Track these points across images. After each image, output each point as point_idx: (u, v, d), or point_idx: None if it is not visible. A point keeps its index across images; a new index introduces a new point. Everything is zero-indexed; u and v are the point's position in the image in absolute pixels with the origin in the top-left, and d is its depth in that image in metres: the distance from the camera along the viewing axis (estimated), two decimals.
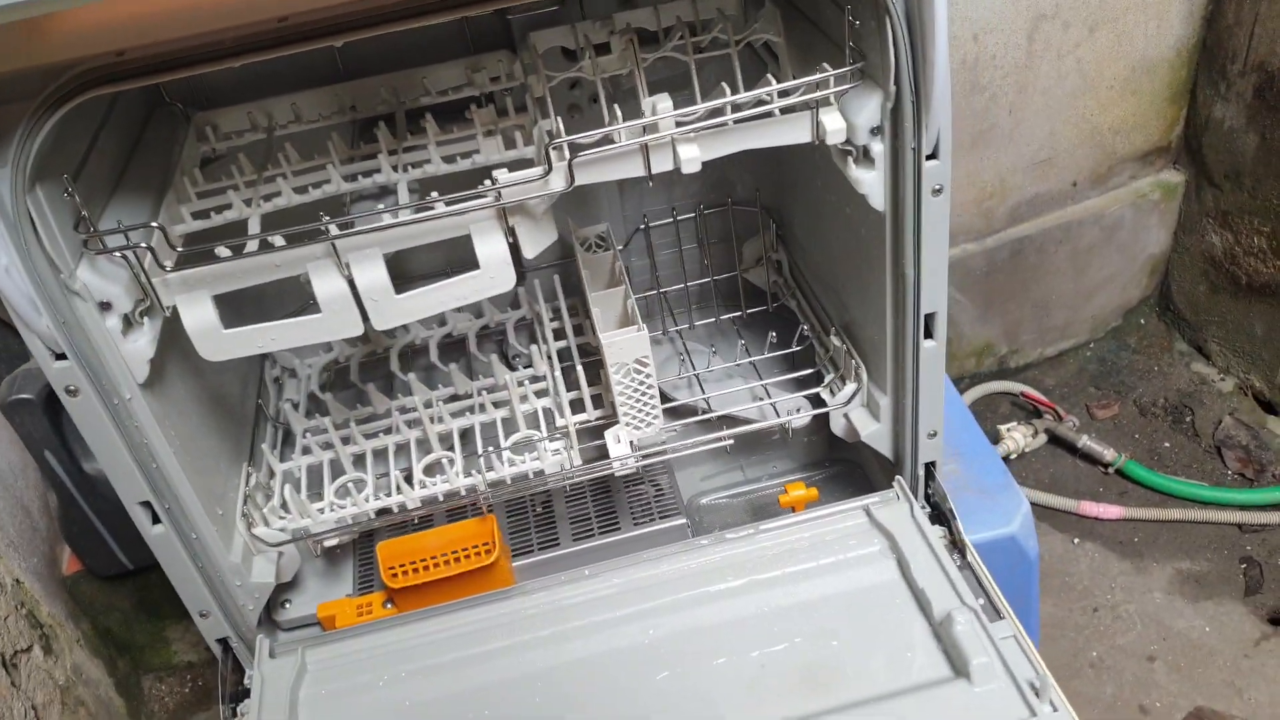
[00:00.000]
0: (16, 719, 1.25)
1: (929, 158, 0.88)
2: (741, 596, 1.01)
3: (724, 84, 0.90)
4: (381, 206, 0.97)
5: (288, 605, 1.16)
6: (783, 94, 0.90)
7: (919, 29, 0.81)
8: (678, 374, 1.29)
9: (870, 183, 0.93)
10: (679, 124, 0.89)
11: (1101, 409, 1.95)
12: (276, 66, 0.87)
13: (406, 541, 1.09)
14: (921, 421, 1.05)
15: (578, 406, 1.15)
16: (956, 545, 1.04)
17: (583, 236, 1.28)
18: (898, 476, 1.09)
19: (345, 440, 1.20)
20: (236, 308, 0.93)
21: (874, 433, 1.11)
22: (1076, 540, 1.74)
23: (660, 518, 1.18)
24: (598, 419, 1.14)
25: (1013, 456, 1.85)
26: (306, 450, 1.21)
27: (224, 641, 1.03)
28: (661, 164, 0.90)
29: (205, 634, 1.02)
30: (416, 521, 1.14)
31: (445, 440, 1.18)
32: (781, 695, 0.91)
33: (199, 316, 0.89)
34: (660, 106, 0.88)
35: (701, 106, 0.89)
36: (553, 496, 1.23)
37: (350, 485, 1.13)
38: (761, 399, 1.23)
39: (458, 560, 1.07)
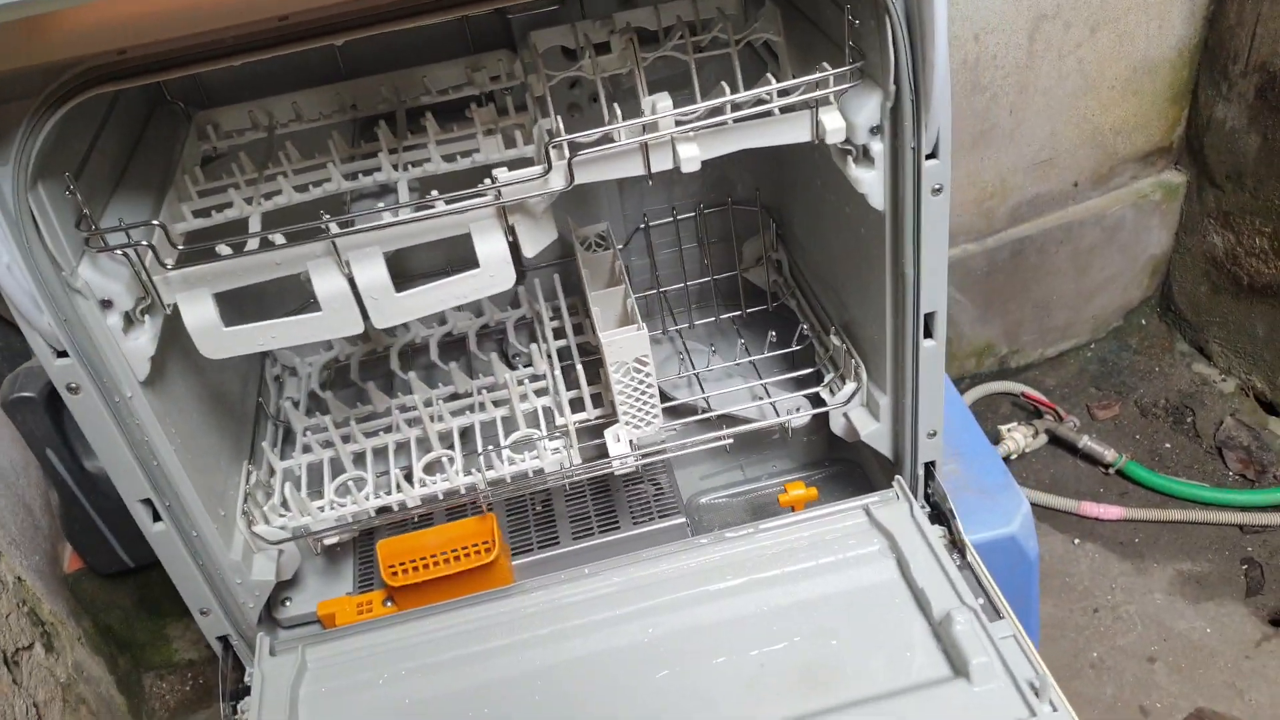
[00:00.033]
0: (18, 716, 1.25)
1: (929, 157, 0.88)
2: (741, 595, 1.01)
3: (724, 83, 0.90)
4: (382, 205, 0.97)
5: (288, 603, 1.16)
6: (782, 93, 0.90)
7: (918, 28, 0.81)
8: (677, 373, 1.29)
9: (870, 182, 0.93)
10: (679, 123, 0.89)
11: (1102, 409, 1.95)
12: (277, 65, 0.88)
13: (406, 540, 1.09)
14: (921, 421, 1.05)
15: (577, 405, 1.16)
16: (956, 545, 1.04)
17: (583, 236, 1.28)
18: (897, 476, 1.09)
19: (345, 438, 1.20)
20: (237, 306, 0.94)
21: (874, 432, 1.11)
22: (1077, 541, 1.74)
23: (660, 517, 1.18)
24: (597, 418, 1.14)
25: (1013, 457, 1.85)
26: (307, 448, 1.22)
27: (224, 639, 1.03)
28: (661, 163, 0.90)
29: (206, 631, 1.02)
30: (416, 520, 1.15)
31: (445, 439, 1.18)
32: (781, 694, 0.91)
33: (200, 314, 0.89)
34: (660, 105, 0.88)
35: (701, 106, 0.89)
36: (552, 495, 1.23)
37: (350, 483, 1.13)
38: (761, 398, 1.23)
39: (457, 559, 1.08)
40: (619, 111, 0.90)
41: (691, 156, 0.89)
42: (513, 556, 1.16)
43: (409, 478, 1.11)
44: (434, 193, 0.90)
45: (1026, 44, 1.67)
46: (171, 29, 0.74)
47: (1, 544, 1.39)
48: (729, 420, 1.20)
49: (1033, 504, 1.33)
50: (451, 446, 1.16)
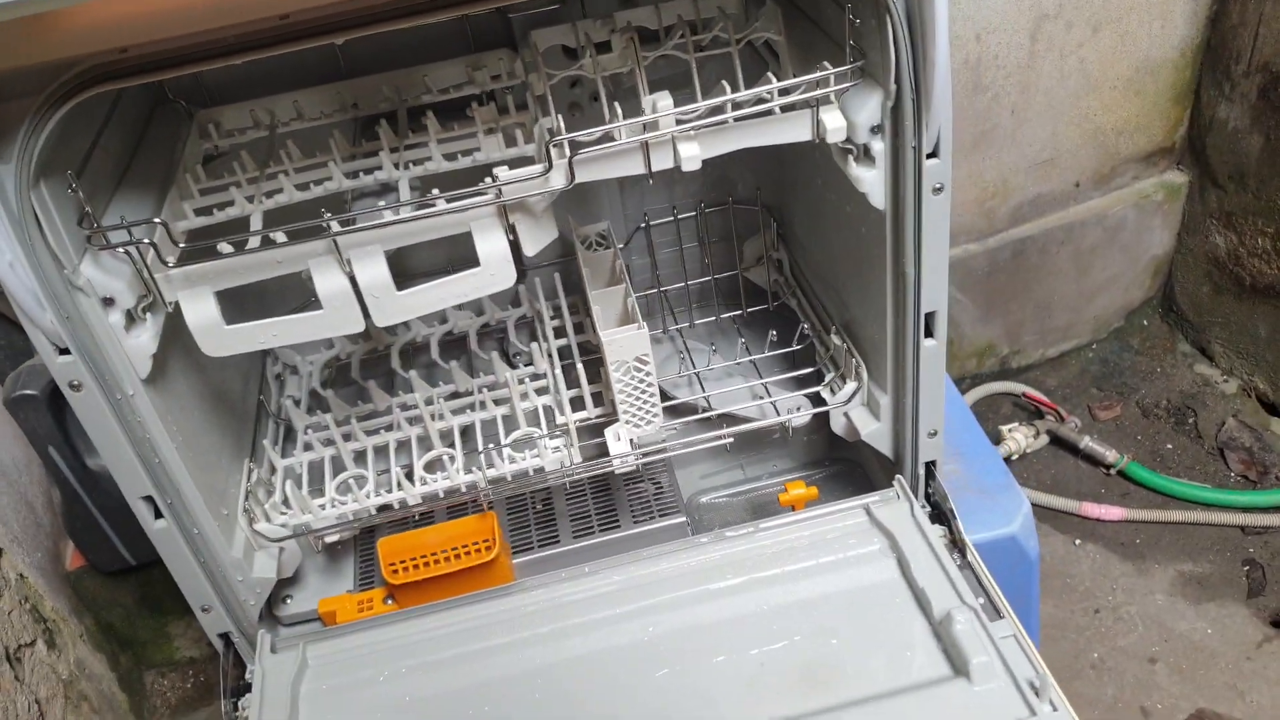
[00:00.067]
0: (20, 713, 1.26)
1: (929, 156, 0.88)
2: (741, 594, 1.01)
3: (724, 82, 0.90)
4: (383, 204, 0.98)
5: (289, 601, 1.16)
6: (783, 92, 0.90)
7: (919, 27, 0.81)
8: (678, 372, 1.29)
9: (871, 181, 0.93)
10: (679, 122, 0.89)
11: (1104, 410, 1.95)
12: (278, 64, 0.88)
13: (407, 538, 1.09)
14: (922, 420, 1.05)
15: (578, 404, 1.16)
16: (957, 545, 1.04)
17: (583, 235, 1.28)
18: (898, 476, 1.09)
19: (346, 437, 1.20)
20: (239, 304, 0.94)
21: (874, 432, 1.11)
22: (1078, 541, 1.74)
23: (660, 515, 1.18)
24: (598, 417, 1.14)
25: (1014, 457, 1.85)
26: (308, 446, 1.22)
27: (225, 636, 1.03)
28: (662, 162, 0.90)
29: (207, 629, 1.02)
30: (417, 518, 1.15)
31: (446, 437, 1.18)
32: (781, 693, 0.91)
33: (201, 312, 0.89)
34: (661, 104, 0.88)
35: (702, 104, 0.89)
36: (553, 494, 1.24)
37: (351, 481, 1.13)
38: (761, 398, 1.23)
39: (458, 557, 1.08)
40: (620, 110, 0.90)
41: (692, 155, 0.89)
42: (513, 555, 1.16)
43: (410, 476, 1.11)
44: (435, 191, 0.90)
45: (1028, 44, 1.67)
46: (173, 28, 0.74)
47: (4, 541, 1.40)
48: (729, 419, 1.20)
49: (1034, 504, 1.32)
50: (452, 445, 1.17)
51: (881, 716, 0.87)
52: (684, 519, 1.18)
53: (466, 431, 1.20)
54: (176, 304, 0.89)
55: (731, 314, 1.40)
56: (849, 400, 1.14)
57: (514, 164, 0.92)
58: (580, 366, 1.15)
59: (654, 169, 0.90)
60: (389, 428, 1.23)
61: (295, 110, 1.12)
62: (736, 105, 0.89)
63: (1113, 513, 1.74)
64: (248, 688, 1.00)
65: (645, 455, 1.11)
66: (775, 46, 1.05)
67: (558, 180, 0.89)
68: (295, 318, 0.92)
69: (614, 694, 0.94)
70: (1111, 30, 1.70)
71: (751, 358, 1.30)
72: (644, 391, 1.08)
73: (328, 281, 0.89)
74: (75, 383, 0.85)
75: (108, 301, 0.85)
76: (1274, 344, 1.83)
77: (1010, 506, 1.16)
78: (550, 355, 1.23)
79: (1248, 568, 1.66)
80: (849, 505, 1.07)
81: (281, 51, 0.78)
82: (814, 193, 1.20)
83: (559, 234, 0.96)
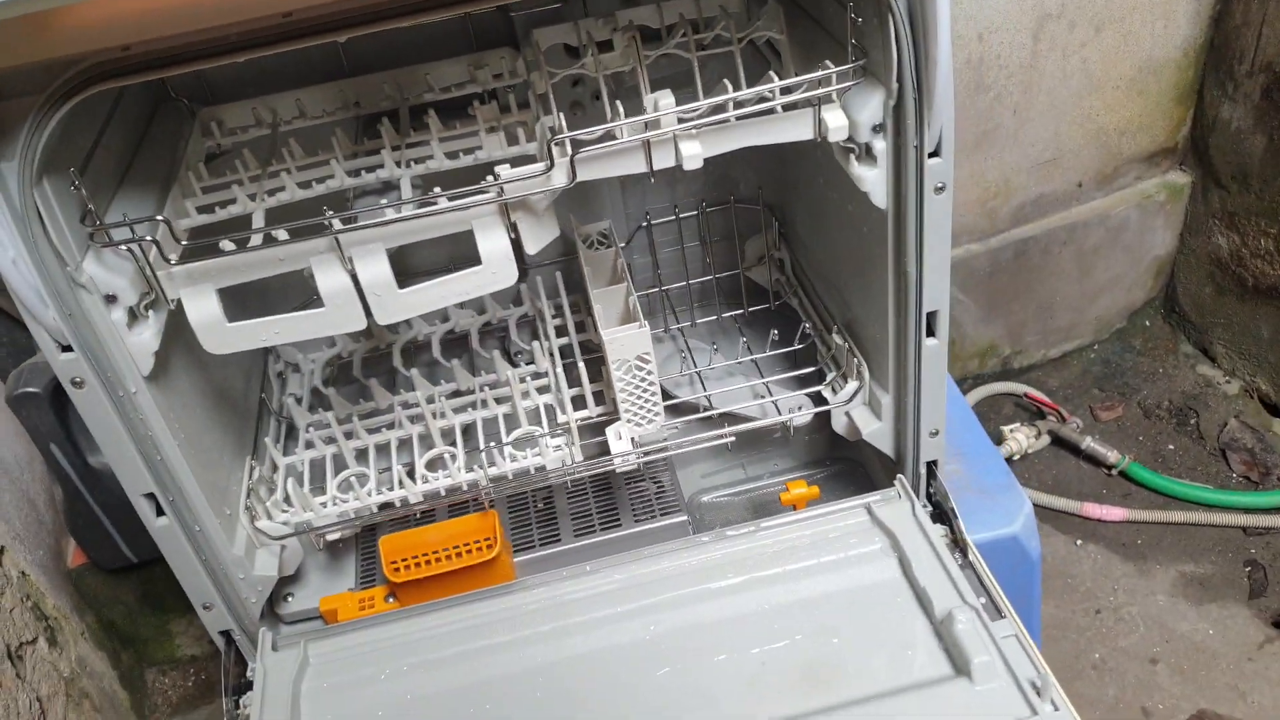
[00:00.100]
0: (22, 710, 1.26)
1: (931, 155, 0.88)
2: (742, 593, 1.01)
3: (726, 81, 0.90)
4: (385, 202, 0.98)
5: (290, 599, 1.16)
6: (785, 91, 0.90)
7: (921, 26, 0.81)
8: (679, 371, 1.29)
9: (872, 180, 0.93)
10: (681, 120, 0.89)
11: (1105, 411, 1.95)
12: (281, 62, 0.88)
13: (408, 536, 1.09)
14: (923, 420, 1.05)
15: (579, 403, 1.16)
16: (958, 544, 1.03)
17: (585, 233, 1.28)
18: (899, 475, 1.09)
19: (348, 435, 1.20)
20: (241, 302, 0.94)
21: (876, 431, 1.11)
22: (1079, 542, 1.74)
23: (661, 514, 1.18)
24: (599, 415, 1.14)
25: (1016, 457, 1.85)
26: (309, 444, 1.22)
27: (227, 634, 1.03)
28: (663, 160, 0.90)
29: (208, 626, 1.03)
30: (418, 516, 1.15)
31: (447, 435, 1.18)
32: (782, 692, 0.91)
33: (203, 310, 0.89)
34: (662, 103, 0.88)
35: (704, 103, 0.89)
36: (554, 492, 1.24)
37: (353, 479, 1.13)
38: (763, 397, 1.23)
39: (459, 555, 1.08)
40: (621, 109, 0.90)
41: (694, 154, 0.89)
42: (514, 553, 1.16)
43: (411, 474, 1.11)
44: (436, 189, 0.90)
45: (1031, 43, 1.67)
46: (175, 25, 0.75)
47: (6, 539, 1.40)
48: (731, 419, 1.20)
49: (1035, 505, 1.32)
50: (454, 443, 1.17)
51: (883, 716, 0.87)
52: (685, 518, 1.18)
53: (468, 430, 1.20)
54: (179, 301, 0.89)
55: (733, 313, 1.40)
56: (850, 400, 1.14)
57: (516, 162, 0.92)
58: (582, 365, 1.15)
59: (656, 168, 0.90)
60: (390, 426, 1.23)
61: (297, 108, 1.12)
62: (738, 104, 0.89)
63: (1114, 513, 1.74)
64: (249, 685, 1.00)
65: (646, 454, 1.11)
66: (777, 45, 1.05)
67: (559, 178, 0.89)
68: (297, 315, 0.92)
69: (615, 692, 0.94)
70: (1114, 30, 1.70)
71: (753, 357, 1.30)
72: (645, 390, 1.08)
73: (329, 279, 0.89)
74: (78, 380, 0.85)
75: (110, 299, 0.85)
76: (1276, 345, 1.83)
77: (1012, 506, 1.16)
78: (552, 354, 1.23)
79: (1249, 569, 1.66)
80: (850, 505, 1.07)
81: (284, 49, 0.78)
82: (816, 192, 1.20)
83: (560, 233, 0.96)
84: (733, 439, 1.14)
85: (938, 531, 1.03)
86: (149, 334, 0.88)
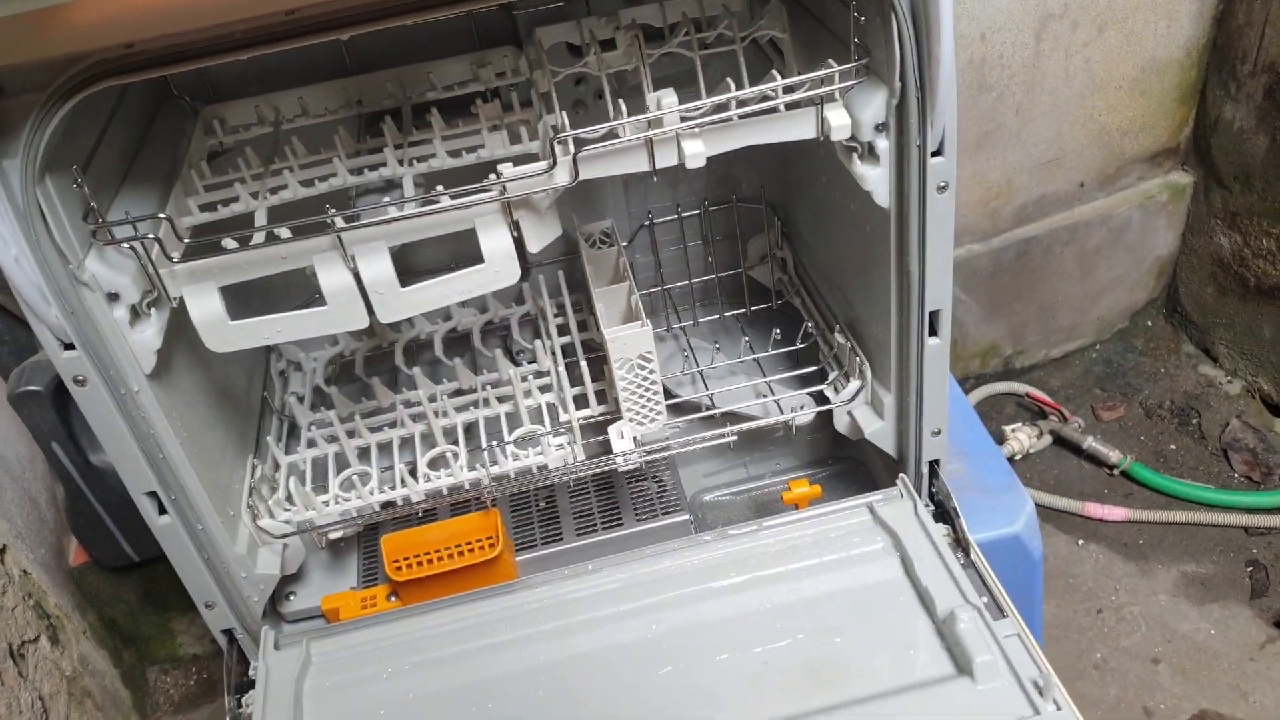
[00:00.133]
0: (24, 709, 1.26)
1: (934, 154, 0.88)
2: (744, 593, 1.01)
3: (729, 80, 0.90)
4: (387, 200, 0.98)
5: (292, 597, 1.16)
6: (788, 90, 0.90)
7: (924, 25, 0.81)
8: (681, 370, 1.29)
9: (875, 179, 0.93)
10: (684, 119, 0.89)
11: (1107, 410, 1.95)
12: (283, 60, 0.88)
13: (410, 535, 1.09)
14: (926, 419, 1.05)
15: (581, 402, 1.16)
16: (960, 544, 1.03)
17: (587, 232, 1.28)
18: (901, 474, 1.09)
19: (350, 433, 1.20)
20: (243, 300, 0.94)
21: (878, 430, 1.10)
22: (1081, 542, 1.74)
23: (663, 514, 1.18)
24: (601, 414, 1.14)
25: (1017, 457, 1.84)
26: (311, 443, 1.22)
27: (229, 633, 1.03)
28: (666, 159, 0.90)
29: (211, 625, 1.03)
30: (420, 515, 1.15)
31: (449, 434, 1.18)
32: (784, 692, 0.91)
33: (205, 308, 0.89)
34: (665, 102, 0.88)
35: (706, 102, 0.89)
36: (556, 491, 1.24)
37: (355, 478, 1.13)
38: (765, 396, 1.23)
39: (461, 554, 1.08)
40: (624, 107, 0.90)
41: (696, 153, 0.89)
42: (516, 552, 1.16)
43: (413, 473, 1.11)
44: (439, 188, 0.90)
45: (1033, 43, 1.67)
46: (178, 23, 0.75)
47: (8, 537, 1.40)
48: (733, 418, 1.20)
49: (1037, 505, 1.32)
50: (456, 442, 1.17)
51: (885, 715, 0.87)
52: (687, 517, 1.18)
53: (470, 429, 1.20)
54: (181, 299, 0.89)
55: (735, 312, 1.40)
56: (853, 399, 1.14)
57: (518, 161, 0.92)
58: (584, 364, 1.15)
59: (658, 166, 0.90)
60: (393, 424, 1.23)
61: (300, 106, 1.12)
62: (741, 103, 0.89)
63: (1116, 513, 1.74)
64: (251, 684, 1.00)
65: (648, 453, 1.11)
66: (780, 44, 1.05)
67: (562, 177, 0.89)
68: (299, 314, 0.92)
69: (617, 691, 0.94)
70: (1117, 30, 1.70)
71: (755, 356, 1.30)
72: (647, 389, 1.08)
73: (332, 277, 0.89)
74: (80, 378, 0.85)
75: (112, 297, 0.85)
76: (1278, 345, 1.83)
77: (1014, 506, 1.16)
78: (554, 353, 1.23)
79: (1251, 569, 1.65)
80: (852, 504, 1.07)
81: (287, 47, 0.78)
82: (818, 191, 1.20)
83: (563, 231, 0.96)
84: (735, 438, 1.14)
85: (940, 531, 1.03)
86: (151, 332, 0.88)
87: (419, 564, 1.08)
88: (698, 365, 1.29)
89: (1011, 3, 1.62)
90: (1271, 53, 1.65)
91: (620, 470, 1.17)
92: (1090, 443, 1.82)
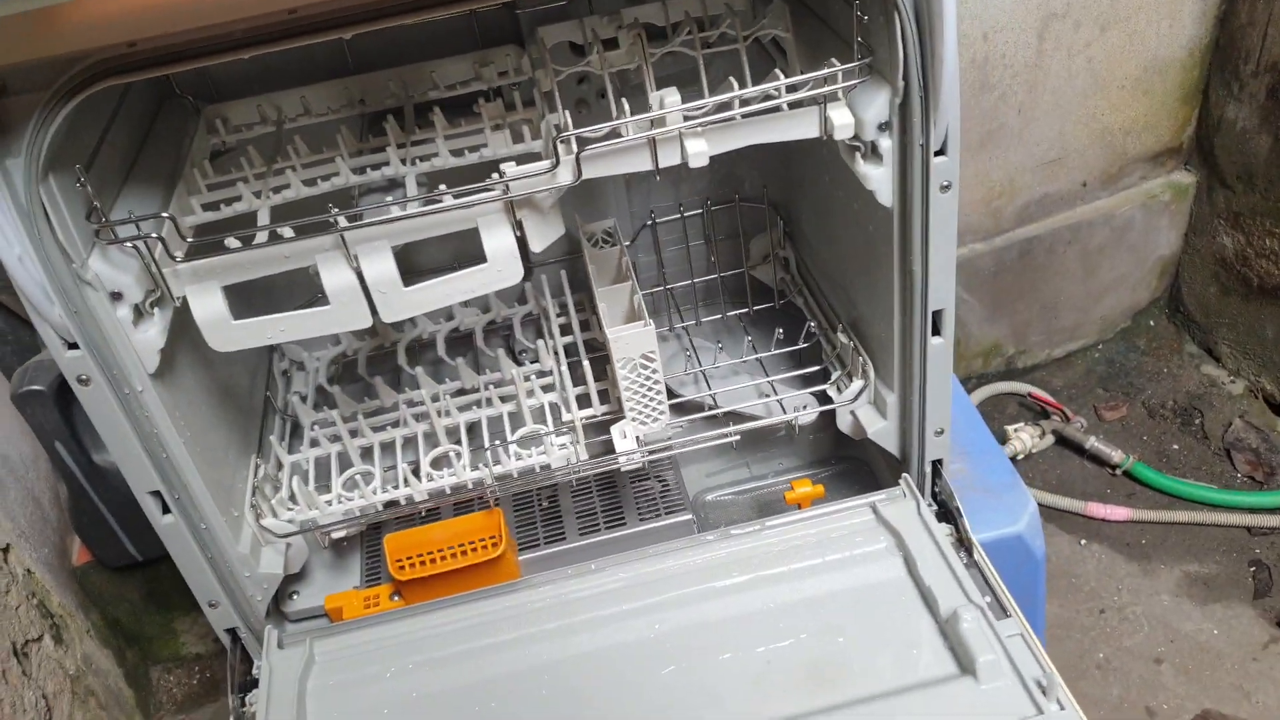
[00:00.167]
0: (27, 707, 1.26)
1: (937, 154, 0.88)
2: (747, 592, 1.01)
3: (732, 79, 0.90)
4: (390, 199, 0.98)
5: (295, 597, 1.16)
6: (791, 89, 0.90)
7: (927, 24, 0.81)
8: (684, 370, 1.29)
9: (878, 179, 0.92)
10: (687, 118, 0.89)
11: (1110, 410, 1.95)
12: (286, 59, 0.88)
13: (413, 534, 1.09)
14: (929, 419, 1.05)
15: (584, 402, 1.16)
16: (963, 543, 1.03)
17: (590, 232, 1.28)
18: (904, 474, 1.09)
19: (353, 433, 1.20)
20: (246, 300, 0.94)
21: (881, 430, 1.10)
22: (1084, 541, 1.73)
23: (666, 513, 1.18)
24: (604, 414, 1.14)
25: (1020, 457, 1.84)
26: (314, 443, 1.22)
27: (233, 632, 1.03)
28: (669, 158, 0.90)
29: (214, 624, 1.03)
30: (423, 514, 1.15)
31: (452, 434, 1.18)
32: (787, 691, 0.91)
33: (209, 307, 0.89)
34: (668, 100, 0.88)
35: (709, 101, 0.89)
36: (559, 491, 1.24)
37: (358, 478, 1.14)
38: (768, 395, 1.23)
39: (464, 553, 1.08)
40: (627, 106, 0.90)
41: (699, 152, 0.89)
42: (519, 552, 1.16)
43: (416, 472, 1.11)
44: (442, 187, 0.90)
45: (1036, 43, 1.67)
46: (181, 22, 0.75)
47: (11, 536, 1.40)
48: (735, 417, 1.20)
49: (1039, 504, 1.32)
50: (459, 442, 1.17)
51: (888, 714, 0.87)
52: (690, 516, 1.18)
53: (473, 428, 1.20)
54: (184, 299, 0.89)
55: (738, 312, 1.40)
56: (855, 398, 1.14)
57: (521, 160, 0.92)
58: (586, 364, 1.15)
59: (661, 165, 0.90)
60: (395, 424, 1.23)
61: (302, 106, 1.12)
62: (744, 102, 0.89)
63: (1118, 513, 1.74)
64: (255, 683, 1.00)
65: (651, 453, 1.11)
66: (783, 43, 1.05)
67: (565, 176, 0.89)
68: (302, 313, 0.92)
69: (620, 691, 0.94)
70: (1120, 29, 1.70)
71: (758, 355, 1.30)
72: (650, 389, 1.08)
73: (335, 277, 0.89)
74: (84, 377, 0.85)
75: (116, 296, 0.85)
76: None
77: (1016, 506, 1.16)
78: (556, 352, 1.23)
79: (1254, 569, 1.65)
80: (855, 503, 1.07)
81: (289, 46, 0.78)
82: (821, 190, 1.20)
83: (565, 231, 0.96)
84: (737, 438, 1.14)
85: (943, 530, 1.03)
86: (154, 331, 0.88)
87: (422, 563, 1.08)
88: (700, 365, 1.28)
89: (1014, 2, 1.62)
90: (1274, 52, 1.65)
91: (623, 470, 1.16)
92: (1093, 442, 1.82)
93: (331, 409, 1.25)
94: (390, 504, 1.10)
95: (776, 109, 0.90)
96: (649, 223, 1.35)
